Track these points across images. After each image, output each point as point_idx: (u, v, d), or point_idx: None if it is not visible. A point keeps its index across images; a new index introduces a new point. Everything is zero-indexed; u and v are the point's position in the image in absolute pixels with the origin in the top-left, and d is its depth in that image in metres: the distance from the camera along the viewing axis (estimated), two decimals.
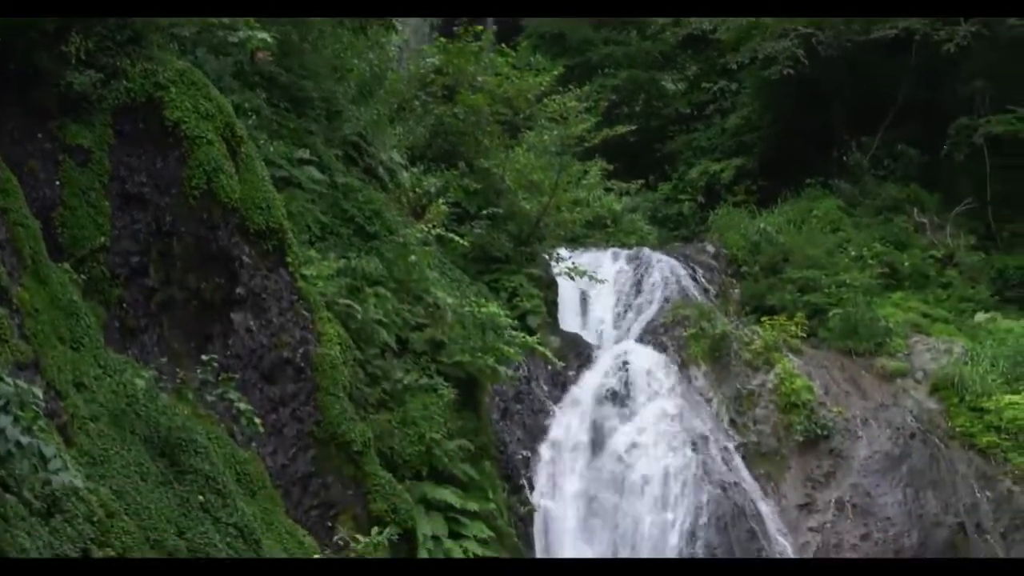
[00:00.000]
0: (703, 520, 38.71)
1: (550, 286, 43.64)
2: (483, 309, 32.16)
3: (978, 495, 39.40)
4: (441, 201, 35.70)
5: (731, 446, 40.99)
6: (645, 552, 38.34)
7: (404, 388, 29.52)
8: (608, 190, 53.35)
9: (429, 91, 43.14)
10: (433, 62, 43.43)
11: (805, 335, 43.83)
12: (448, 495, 30.48)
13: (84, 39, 21.78)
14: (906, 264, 49.31)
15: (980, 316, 46.62)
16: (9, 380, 14.29)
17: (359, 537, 24.21)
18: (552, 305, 43.66)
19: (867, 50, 51.33)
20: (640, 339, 44.55)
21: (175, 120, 22.72)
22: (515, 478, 36.63)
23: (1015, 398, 40.68)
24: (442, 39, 44.86)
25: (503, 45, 46.15)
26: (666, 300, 46.45)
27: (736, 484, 39.79)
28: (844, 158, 53.96)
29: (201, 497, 19.89)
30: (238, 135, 23.82)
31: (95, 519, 17.44)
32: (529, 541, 36.09)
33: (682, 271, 48.36)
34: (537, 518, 37.38)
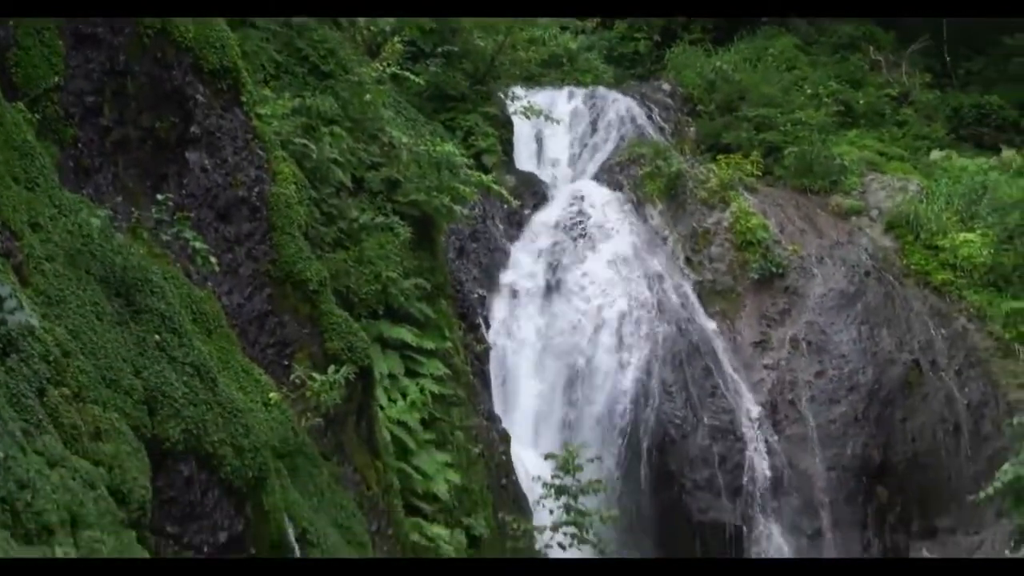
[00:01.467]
0: (659, 358, 39.00)
1: (505, 125, 43.41)
2: (438, 148, 31.95)
3: (933, 332, 39.78)
4: (396, 39, 35.25)
5: (686, 284, 41.17)
6: (598, 388, 38.65)
7: (360, 227, 29.39)
8: (564, 28, 52.83)
9: None
10: None
11: (760, 173, 43.85)
12: (404, 333, 30.52)
13: None
14: (861, 102, 49.25)
15: (935, 154, 46.73)
16: None
17: (316, 376, 24.22)
18: (507, 144, 43.46)
19: None
20: (595, 178, 44.49)
21: None
22: (471, 317, 36.72)
23: (969, 236, 40.92)
24: None
25: None
26: (621, 139, 46.32)
27: (691, 322, 40.04)
28: None
29: (157, 336, 19.79)
30: None
31: (51, 359, 17.35)
32: (485, 379, 36.29)
33: (638, 110, 48.14)
34: (493, 356, 37.55)
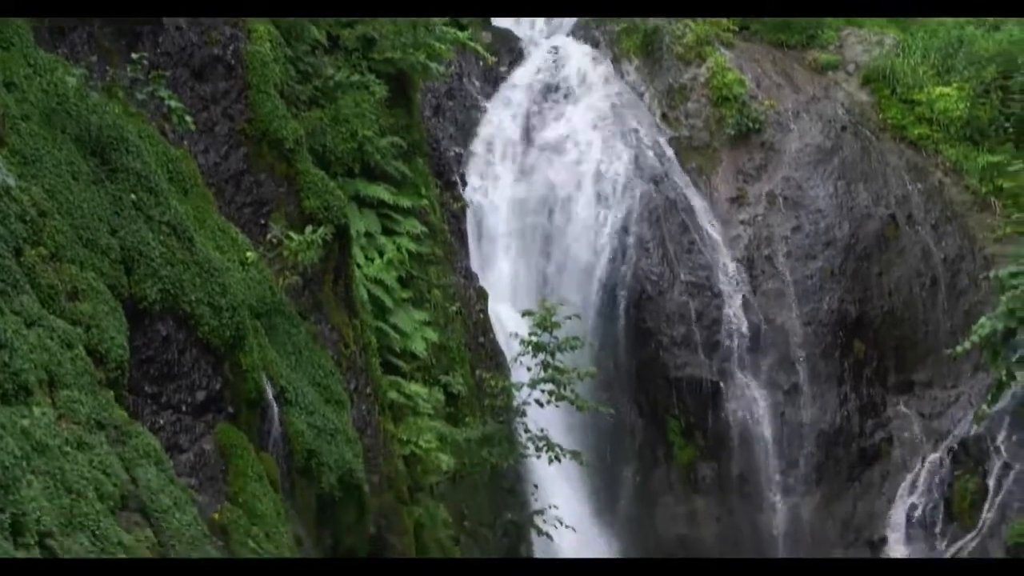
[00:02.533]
0: (635, 214, 38.95)
1: None
2: None
3: (909, 187, 39.75)
4: None
5: (663, 140, 40.99)
6: (575, 245, 38.66)
7: (336, 85, 29.09)
8: None
9: None
10: None
11: (737, 28, 43.45)
12: (381, 192, 30.36)
13: None
14: None
15: None
16: None
17: (292, 235, 24.11)
18: None
19: None
20: (572, 34, 44.08)
21: None
22: (447, 175, 36.50)
23: (946, 90, 40.73)
24: None
25: None
26: None
27: (668, 178, 39.93)
28: None
29: (133, 196, 19.66)
30: None
31: (27, 218, 17.23)
32: (462, 237, 36.18)
33: None
34: (470, 214, 37.42)
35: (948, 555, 34.96)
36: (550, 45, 42.82)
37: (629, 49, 42.32)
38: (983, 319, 33.83)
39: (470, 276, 35.38)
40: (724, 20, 42.75)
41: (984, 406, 35.28)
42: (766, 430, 38.74)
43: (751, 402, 38.78)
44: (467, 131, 39.20)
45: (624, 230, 38.75)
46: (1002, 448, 35.30)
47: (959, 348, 34.23)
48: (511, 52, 42.15)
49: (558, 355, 30.25)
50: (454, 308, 33.19)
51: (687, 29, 42.28)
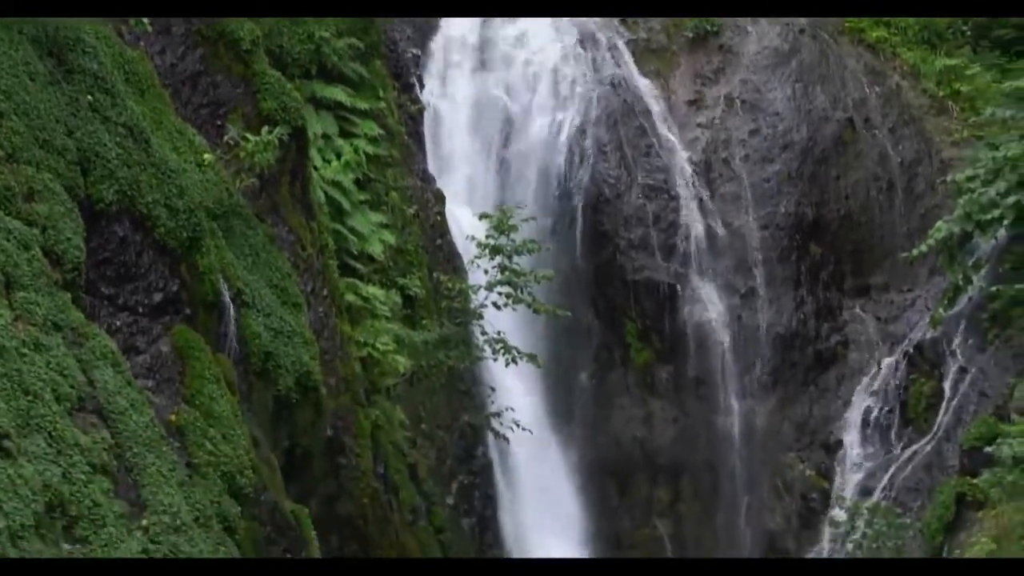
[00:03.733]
0: (593, 117, 38.82)
1: None
2: None
3: (867, 90, 39.71)
4: None
5: (621, 43, 40.76)
6: (532, 148, 38.54)
7: None
8: None
9: None
10: None
11: None
12: (338, 93, 30.19)
13: None
14: None
15: None
16: None
17: (249, 136, 23.97)
18: None
19: None
20: None
21: None
22: (405, 76, 36.26)
23: None
24: None
25: None
26: None
27: (626, 81, 39.76)
28: None
29: (90, 97, 19.48)
30: None
31: None
32: (419, 139, 36.03)
33: None
34: (427, 117, 37.20)
35: (903, 458, 35.24)
36: None
37: None
38: (940, 223, 34.01)
39: (427, 179, 35.25)
40: None
41: (940, 310, 35.48)
42: (723, 333, 38.88)
43: (708, 305, 38.89)
44: (425, 33, 38.87)
45: (581, 133, 38.61)
46: (958, 352, 35.53)
47: (915, 252, 34.45)
48: None
49: (515, 258, 30.26)
50: (411, 211, 33.13)
51: None
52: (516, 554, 35.50)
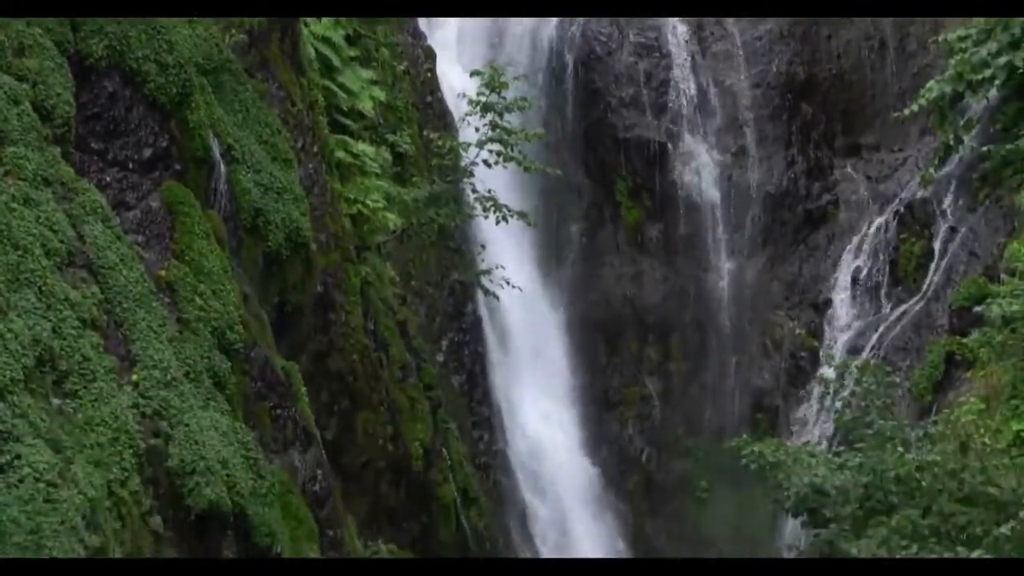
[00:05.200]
0: None
1: None
2: None
3: None
4: None
5: None
6: None
7: None
8: None
9: None
10: None
11: None
12: None
13: None
14: None
15: None
16: None
17: None
18: None
19: None
20: None
21: None
22: None
23: None
24: None
25: None
26: None
27: None
28: None
29: None
30: None
31: None
32: None
33: None
34: None
35: (892, 317, 35.39)
36: None
37: None
38: (931, 83, 33.81)
39: (417, 35, 34.96)
40: None
41: (931, 170, 35.43)
42: (713, 192, 38.87)
43: (698, 164, 38.83)
44: None
45: None
46: (948, 211, 35.59)
47: (907, 111, 34.30)
48: None
49: (506, 116, 30.08)
50: (402, 67, 32.87)
51: None
52: (505, 412, 35.74)
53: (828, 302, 37.58)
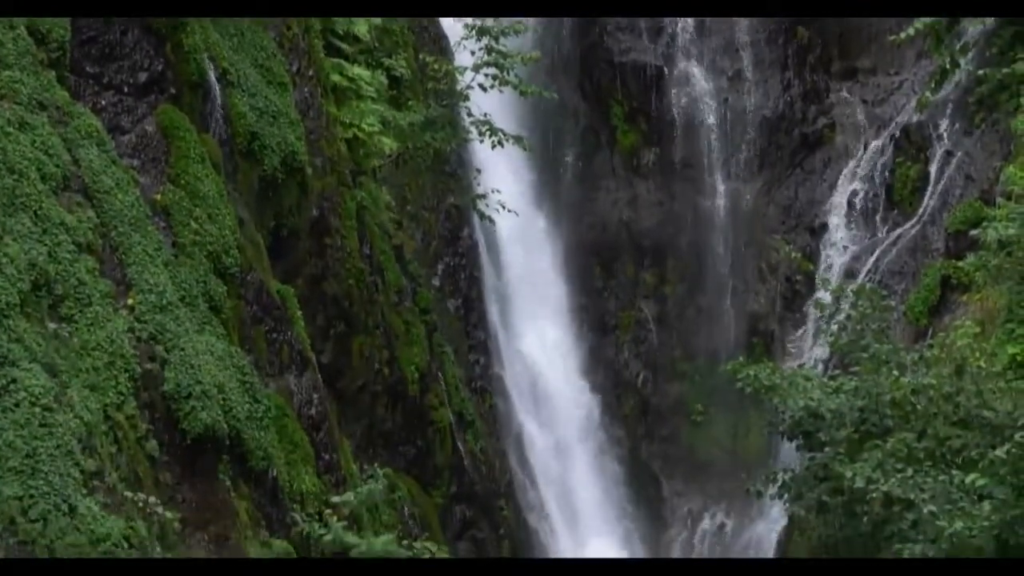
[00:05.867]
0: None
1: None
2: None
3: None
4: None
5: None
6: None
7: None
8: None
9: None
10: None
11: None
12: None
13: None
14: None
15: None
16: None
17: None
18: None
19: None
20: None
21: None
22: None
23: None
24: None
25: None
26: None
27: None
28: None
29: None
30: None
31: None
32: None
33: None
34: None
35: (888, 241, 35.35)
36: None
37: None
38: None
39: None
40: None
41: (927, 93, 35.24)
42: (709, 116, 38.73)
43: (694, 88, 38.68)
44: None
45: None
46: (944, 135, 35.49)
47: (903, 35, 34.00)
48: None
49: (502, 39, 29.93)
50: None
51: None
52: (502, 336, 35.80)
53: (824, 226, 37.53)
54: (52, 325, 16.12)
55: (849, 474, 18.69)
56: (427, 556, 19.05)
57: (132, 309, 17.36)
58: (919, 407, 19.92)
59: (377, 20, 30.61)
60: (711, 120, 38.73)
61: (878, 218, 36.59)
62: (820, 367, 30.91)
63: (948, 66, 33.34)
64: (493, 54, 30.01)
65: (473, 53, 30.17)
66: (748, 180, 38.68)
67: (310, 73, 25.92)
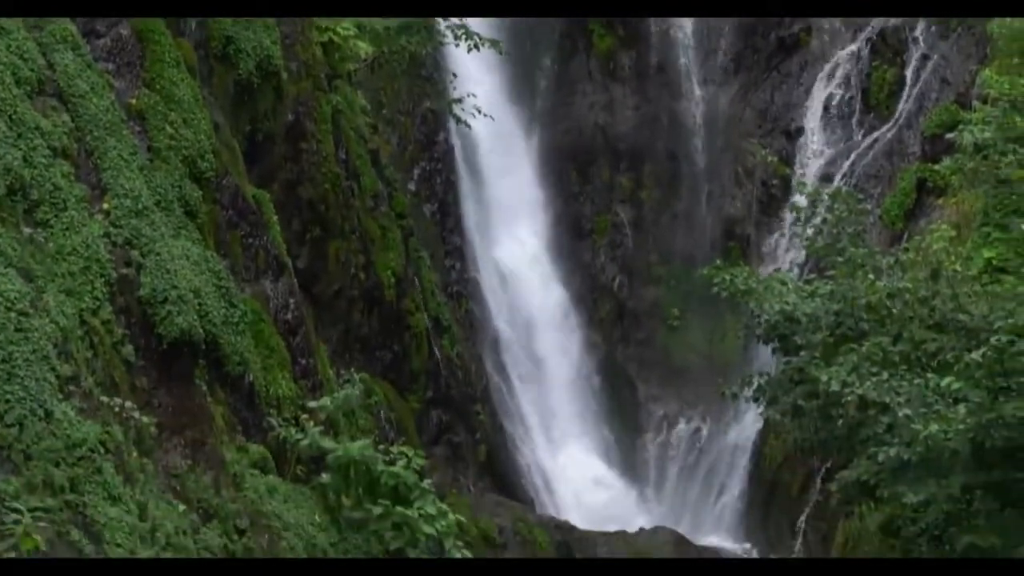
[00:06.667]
0: None
1: None
2: None
3: None
4: None
5: None
6: None
7: None
8: None
9: None
10: None
11: None
12: None
13: None
14: None
15: None
16: None
17: None
18: None
19: None
20: None
21: None
22: None
23: None
24: None
25: None
26: None
27: None
28: None
29: None
30: None
31: None
32: None
33: None
34: None
35: (864, 144, 35.30)
36: None
37: None
38: None
39: None
40: None
41: None
42: (685, 20, 38.54)
43: None
44: None
45: None
46: (920, 39, 35.39)
47: None
48: None
49: None
50: None
51: None
52: (478, 241, 35.76)
53: (800, 130, 37.47)
54: (27, 230, 16.01)
55: (824, 378, 18.80)
56: (403, 462, 19.13)
57: (107, 214, 17.24)
58: (894, 311, 20.02)
59: None
60: (687, 23, 38.55)
61: (854, 122, 36.54)
62: (796, 271, 31.06)
63: None
64: None
65: None
66: (724, 84, 38.56)
67: None
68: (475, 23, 30.91)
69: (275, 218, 22.66)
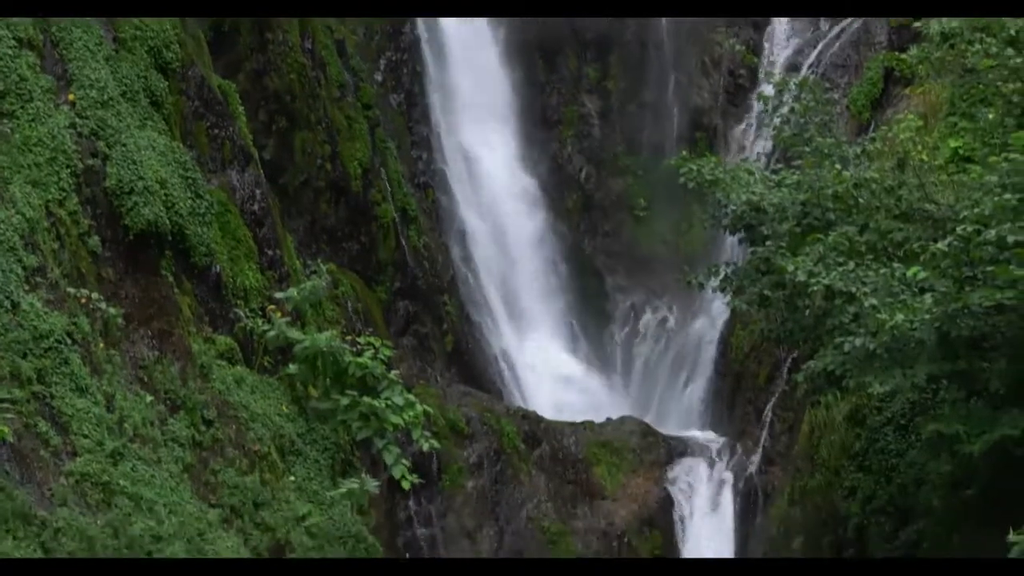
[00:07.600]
0: None
1: None
2: None
3: None
4: None
5: None
6: None
7: None
8: None
9: None
10: None
11: None
12: None
13: None
14: None
15: None
16: None
17: None
18: None
19: None
20: None
21: None
22: None
23: None
24: None
25: None
26: None
27: None
28: None
29: None
30: None
31: None
32: None
33: None
34: None
35: (831, 34, 35.11)
36: None
37: None
38: None
39: None
40: None
41: None
42: None
43: None
44: None
45: None
46: None
47: None
48: None
49: None
50: None
51: None
52: (444, 131, 35.52)
53: (768, 19, 37.22)
54: None
55: (791, 268, 18.85)
56: (370, 352, 19.20)
57: (73, 105, 17.14)
58: (861, 200, 20.05)
59: None
60: None
61: None
62: (763, 161, 30.99)
63: None
64: None
65: None
66: None
67: None
68: None
69: (241, 109, 22.55)
